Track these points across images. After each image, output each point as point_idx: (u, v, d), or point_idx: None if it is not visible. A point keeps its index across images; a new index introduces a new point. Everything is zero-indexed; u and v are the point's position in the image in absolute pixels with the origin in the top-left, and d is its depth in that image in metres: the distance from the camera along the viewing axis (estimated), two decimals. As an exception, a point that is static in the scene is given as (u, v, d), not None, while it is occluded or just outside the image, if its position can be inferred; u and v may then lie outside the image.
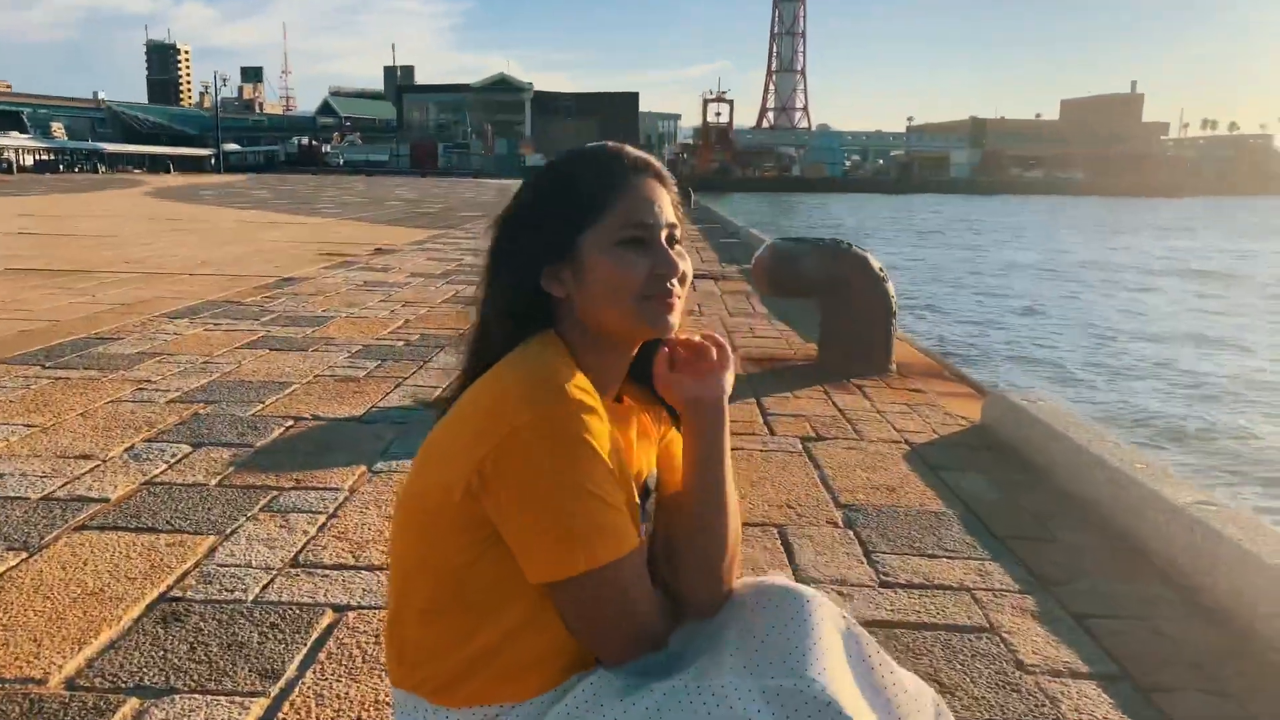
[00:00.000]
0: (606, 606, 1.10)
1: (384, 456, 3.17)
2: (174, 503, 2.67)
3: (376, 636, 1.94)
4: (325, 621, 2.01)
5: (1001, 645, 2.01)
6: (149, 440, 3.25)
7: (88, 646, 1.87)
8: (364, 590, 2.16)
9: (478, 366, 1.21)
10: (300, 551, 2.37)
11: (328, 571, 2.25)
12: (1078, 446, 3.08)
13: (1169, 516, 2.49)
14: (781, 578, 1.36)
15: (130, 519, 2.54)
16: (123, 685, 1.74)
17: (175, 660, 1.83)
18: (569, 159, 1.22)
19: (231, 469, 2.98)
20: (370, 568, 2.28)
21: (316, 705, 1.70)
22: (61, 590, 2.11)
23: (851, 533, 2.62)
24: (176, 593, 2.12)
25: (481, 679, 1.18)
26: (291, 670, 1.82)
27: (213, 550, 2.36)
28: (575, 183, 1.18)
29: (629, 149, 1.24)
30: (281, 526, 2.53)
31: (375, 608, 2.08)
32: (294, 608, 2.06)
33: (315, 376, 4.33)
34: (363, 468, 3.04)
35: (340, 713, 1.69)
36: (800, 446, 3.46)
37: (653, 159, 1.23)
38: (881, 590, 2.26)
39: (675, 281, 1.17)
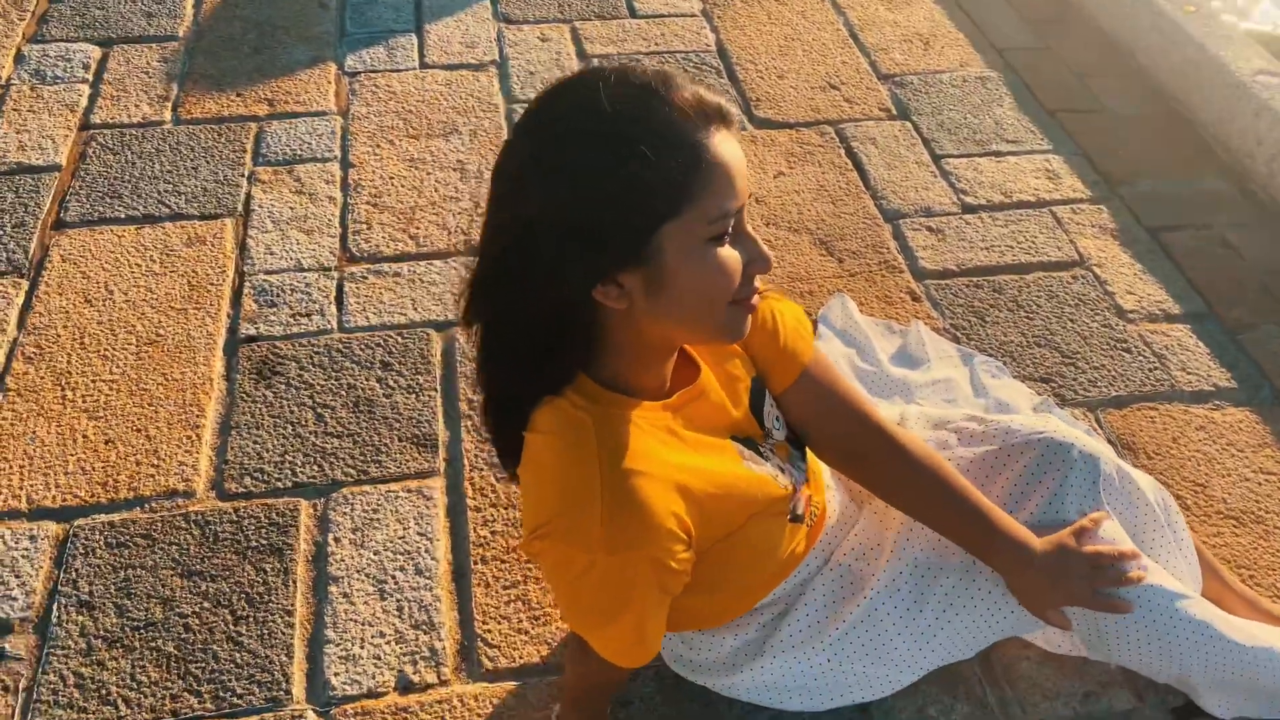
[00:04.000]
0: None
1: (346, 44, 2.65)
2: (144, 163, 2.24)
3: (500, 364, 1.84)
4: (437, 351, 1.87)
5: (1098, 286, 2.08)
6: (38, 41, 2.58)
7: (202, 429, 1.71)
8: (448, 293, 1.98)
9: (496, 387, 1.01)
10: (346, 235, 2.09)
11: (394, 267, 2.03)
12: (1116, -26, 2.84)
13: (1230, 93, 2.44)
14: (1038, 419, 1.33)
15: (110, 200, 2.14)
16: (280, 485, 1.64)
17: (312, 439, 1.71)
18: (623, 123, 0.85)
19: (175, 87, 2.46)
20: (436, 254, 2.06)
21: (499, 479, 1.67)
22: (111, 343, 1.85)
23: (909, 125, 2.48)
24: (247, 329, 1.89)
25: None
26: (442, 431, 1.74)
27: (243, 246, 2.06)
28: (645, 165, 0.84)
29: (695, 90, 0.88)
30: (298, 191, 2.19)
31: (475, 318, 1.93)
32: (393, 335, 1.89)
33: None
34: (332, 67, 2.56)
35: (522, 484, 1.67)
36: (805, -29, 3.06)
37: (717, 99, 0.89)
38: (966, 219, 2.22)
39: (770, 267, 0.94)
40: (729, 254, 0.90)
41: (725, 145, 0.87)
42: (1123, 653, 1.28)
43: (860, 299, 2.02)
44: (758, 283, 0.95)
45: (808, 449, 1.20)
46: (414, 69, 2.57)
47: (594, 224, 0.86)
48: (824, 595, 1.25)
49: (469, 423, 1.75)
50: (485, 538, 1.59)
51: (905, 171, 2.34)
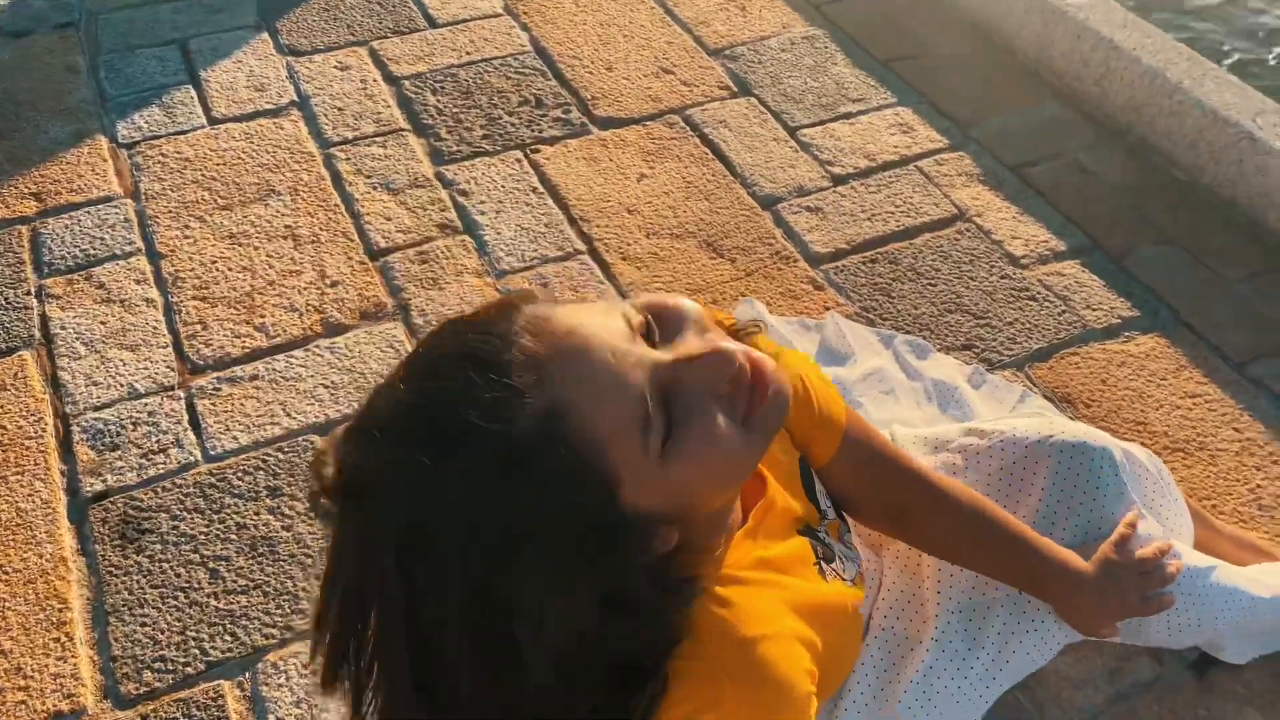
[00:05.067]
0: None
1: (112, 110, 2.27)
2: (-106, 300, 1.83)
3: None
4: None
5: (984, 237, 2.06)
6: None
7: (71, 626, 1.40)
8: (320, 386, 1.72)
9: None
10: (179, 342, 1.78)
11: (247, 369, 1.74)
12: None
13: (1045, 19, 2.47)
14: (1040, 421, 1.26)
15: None
16: (190, 670, 1.37)
17: (213, 604, 1.43)
18: (466, 447, 0.64)
19: (-91, 198, 2.02)
20: (292, 343, 1.79)
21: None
22: (-83, 539, 1.49)
23: (753, 100, 2.37)
24: (91, 484, 1.57)
25: None
26: (363, 555, 1.50)
27: (55, 382, 1.71)
28: (530, 495, 0.64)
29: (509, 337, 0.66)
30: (104, 300, 1.85)
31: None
32: (272, 453, 1.61)
33: None
34: (102, 141, 2.18)
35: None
36: (599, -51, 2.88)
37: (528, 328, 0.68)
38: (840, 191, 2.14)
39: (735, 360, 0.72)
40: (692, 431, 0.69)
41: (578, 356, 0.66)
42: (1159, 634, 1.24)
43: (765, 299, 1.90)
44: (742, 366, 0.73)
45: (849, 518, 1.08)
46: (202, 127, 2.23)
47: (572, 572, 0.66)
48: (873, 669, 1.14)
49: (392, 537, 1.53)
50: (453, 671, 1.38)
51: (766, 152, 2.24)
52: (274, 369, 1.75)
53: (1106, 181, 2.21)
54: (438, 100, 2.33)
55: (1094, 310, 1.92)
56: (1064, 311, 1.92)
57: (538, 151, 2.22)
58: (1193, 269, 2.02)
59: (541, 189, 2.12)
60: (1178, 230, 2.10)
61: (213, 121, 2.25)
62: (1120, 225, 2.11)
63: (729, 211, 2.09)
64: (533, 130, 2.27)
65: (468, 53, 2.47)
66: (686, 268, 1.97)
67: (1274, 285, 1.98)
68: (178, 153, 2.16)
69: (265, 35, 2.49)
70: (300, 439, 1.64)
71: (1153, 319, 1.91)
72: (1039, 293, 1.95)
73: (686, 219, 2.07)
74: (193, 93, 2.32)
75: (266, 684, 1.35)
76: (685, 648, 0.76)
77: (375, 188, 2.10)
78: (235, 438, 1.64)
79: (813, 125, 2.31)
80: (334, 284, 1.90)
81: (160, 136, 2.20)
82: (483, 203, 2.08)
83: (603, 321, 0.68)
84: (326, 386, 1.72)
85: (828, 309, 1.88)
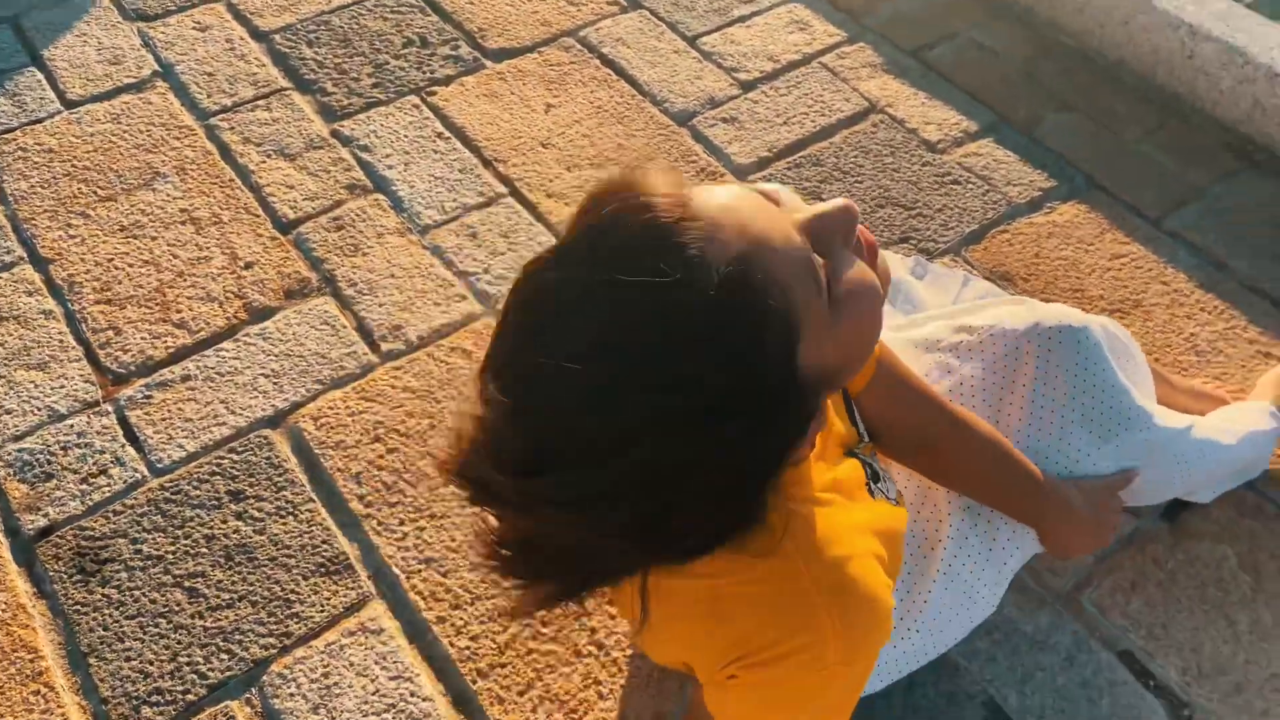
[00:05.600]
0: None
1: (-52, 102, 2.03)
2: None
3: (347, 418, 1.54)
4: (285, 450, 1.53)
5: (899, 127, 2.06)
6: None
7: (48, 674, 1.30)
8: (261, 376, 1.61)
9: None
10: (93, 353, 1.64)
11: (177, 370, 1.62)
12: None
13: (921, -105, 2.45)
14: (1025, 309, 1.28)
15: None
16: (192, 696, 1.29)
17: (199, 624, 1.35)
18: (693, 320, 0.62)
19: None
20: (220, 334, 1.67)
21: (423, 566, 1.41)
22: None
23: (645, 13, 2.29)
24: (33, 521, 1.44)
25: None
26: (348, 546, 1.43)
27: (-38, 416, 1.56)
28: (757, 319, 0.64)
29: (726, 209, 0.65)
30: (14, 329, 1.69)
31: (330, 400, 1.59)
32: (225, 456, 1.52)
33: None
34: (-53, 141, 1.96)
35: (436, 560, 1.43)
36: None
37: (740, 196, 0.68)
38: (752, 99, 2.11)
39: (856, 211, 0.73)
40: (849, 275, 0.69)
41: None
42: (1147, 495, 1.31)
43: (699, 219, 1.87)
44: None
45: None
46: (60, 113, 2.02)
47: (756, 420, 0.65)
48: (900, 575, 1.16)
49: (373, 521, 1.47)
50: (470, 648, 1.35)
51: (670, 66, 2.18)
52: (206, 366, 1.63)
53: (1003, 55, 2.24)
54: (315, 52, 2.17)
55: (1015, 186, 1.96)
56: (988, 191, 1.95)
57: (434, 94, 2.10)
58: (1096, 133, 2.08)
59: (447, 133, 2.02)
60: (1076, 96, 2.15)
61: (69, 105, 2.04)
62: (1022, 98, 2.15)
63: (645, 133, 2.04)
64: (424, 72, 2.15)
65: (335, -4, 2.31)
66: (615, 197, 1.91)
67: (1170, 140, 2.06)
68: (38, 144, 1.96)
69: (107, 2, 2.27)
70: (252, 435, 1.55)
71: (1070, 186, 1.97)
72: (961, 176, 1.98)
73: (604, 146, 2.01)
74: (39, 75, 2.10)
75: (277, 696, 1.29)
76: (775, 570, 0.75)
77: (269, 155, 1.96)
78: (181, 446, 1.53)
79: (710, 32, 2.26)
80: (248, 265, 1.78)
81: (13, 129, 1.99)
82: (388, 156, 1.97)
83: (739, 191, 0.68)
84: (267, 375, 1.62)
85: (764, 220, 1.86)
